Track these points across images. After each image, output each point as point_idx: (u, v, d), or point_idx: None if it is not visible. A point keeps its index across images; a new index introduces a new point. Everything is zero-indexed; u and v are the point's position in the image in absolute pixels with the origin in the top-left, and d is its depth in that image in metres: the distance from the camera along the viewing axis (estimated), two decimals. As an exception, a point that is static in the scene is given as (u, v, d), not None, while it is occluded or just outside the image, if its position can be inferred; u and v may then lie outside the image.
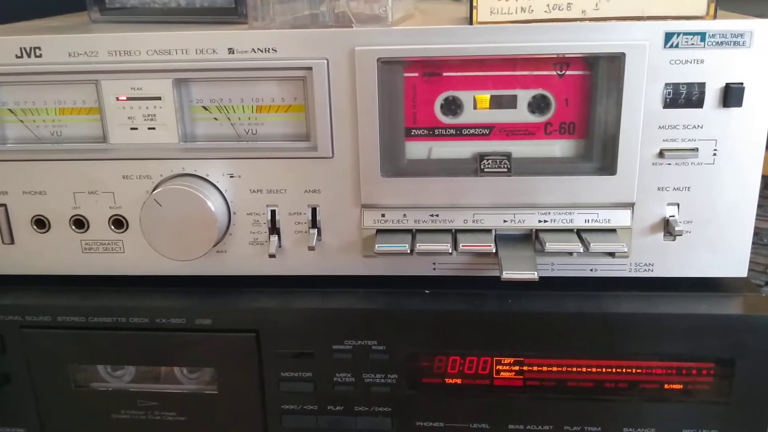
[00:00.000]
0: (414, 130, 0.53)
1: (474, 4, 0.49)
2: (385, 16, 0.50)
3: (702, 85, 0.49)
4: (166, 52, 0.51)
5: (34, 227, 0.56)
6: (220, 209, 0.52)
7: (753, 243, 0.54)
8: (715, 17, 0.48)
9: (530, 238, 0.53)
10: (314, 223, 0.54)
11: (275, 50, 0.50)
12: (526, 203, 0.52)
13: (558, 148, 0.53)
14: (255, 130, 0.53)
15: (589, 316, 0.52)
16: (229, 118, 0.53)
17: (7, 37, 0.51)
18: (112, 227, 0.55)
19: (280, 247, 0.54)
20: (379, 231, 0.53)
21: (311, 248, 0.53)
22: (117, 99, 0.52)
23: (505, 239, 0.53)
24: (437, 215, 0.53)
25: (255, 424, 0.56)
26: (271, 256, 0.53)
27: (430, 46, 0.49)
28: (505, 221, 0.52)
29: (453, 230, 0.53)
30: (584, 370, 0.53)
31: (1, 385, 0.56)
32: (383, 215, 0.53)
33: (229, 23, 0.56)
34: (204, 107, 0.53)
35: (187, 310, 0.54)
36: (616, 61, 0.49)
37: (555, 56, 0.50)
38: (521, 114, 0.52)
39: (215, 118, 0.53)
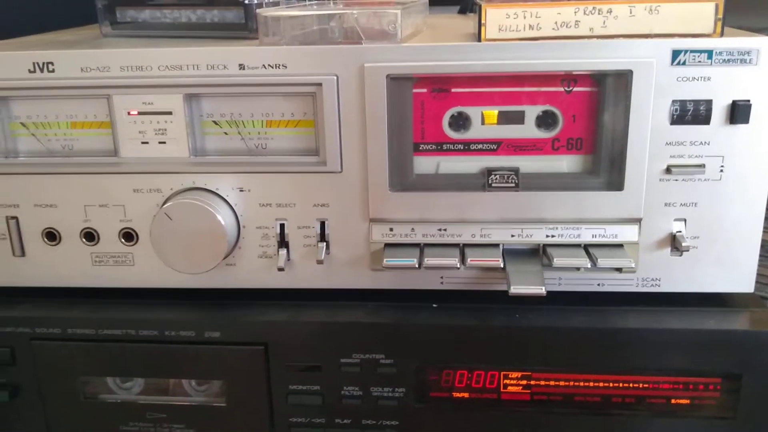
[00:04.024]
0: (422, 145, 0.53)
1: (483, 21, 0.49)
2: (395, 33, 0.51)
3: (709, 102, 0.49)
4: (177, 67, 0.51)
5: (45, 240, 0.56)
6: (229, 223, 0.53)
7: (760, 255, 0.54)
8: (722, 35, 0.48)
9: (538, 253, 0.53)
10: (323, 237, 0.54)
11: (285, 66, 0.50)
12: (533, 218, 0.52)
13: (565, 163, 0.53)
14: (265, 145, 0.53)
15: (596, 331, 0.52)
16: (239, 133, 0.53)
17: (21, 52, 0.52)
18: (123, 240, 0.55)
19: (288, 260, 0.55)
20: (387, 245, 0.53)
21: (320, 262, 0.54)
22: (128, 113, 0.52)
23: (512, 254, 0.53)
24: (445, 229, 0.53)
25: (263, 437, 0.56)
26: (280, 269, 0.54)
27: (438, 63, 0.50)
28: (512, 236, 0.53)
29: (461, 244, 0.53)
30: (591, 384, 0.53)
31: (11, 397, 0.57)
32: (391, 229, 0.53)
33: (239, 38, 0.56)
34: (214, 122, 0.53)
35: (196, 323, 0.54)
36: (623, 78, 0.49)
37: (563, 73, 0.50)
38: (529, 129, 0.52)
39: (225, 133, 0.53)
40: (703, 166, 0.50)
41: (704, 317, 0.53)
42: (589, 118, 0.52)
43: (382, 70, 0.50)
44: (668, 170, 0.51)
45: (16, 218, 0.56)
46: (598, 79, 0.51)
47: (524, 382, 0.54)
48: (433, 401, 0.54)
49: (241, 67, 0.51)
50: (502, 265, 0.52)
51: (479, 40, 0.50)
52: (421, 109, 0.52)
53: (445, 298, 0.55)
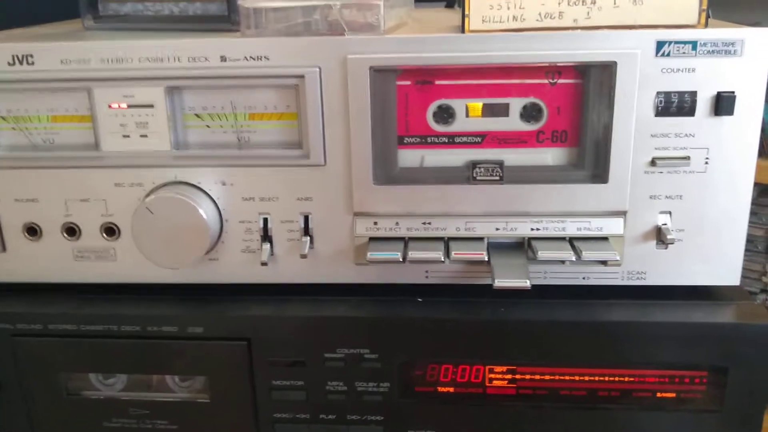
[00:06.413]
0: (406, 138, 0.53)
1: (466, 12, 0.49)
2: (378, 25, 0.50)
3: (693, 94, 0.49)
4: (158, 59, 0.50)
5: (26, 235, 0.55)
6: (212, 217, 0.52)
7: (747, 250, 0.54)
8: (706, 26, 0.48)
9: (522, 246, 0.53)
10: (306, 231, 0.54)
11: (268, 58, 0.50)
12: (518, 211, 0.52)
13: (550, 156, 0.53)
14: (247, 138, 0.53)
15: (582, 325, 0.52)
16: (221, 126, 0.53)
17: (0, 44, 0.51)
18: (104, 235, 0.55)
19: (272, 255, 0.54)
20: (371, 239, 0.53)
21: (303, 256, 0.53)
22: (109, 106, 0.52)
23: (497, 247, 0.53)
24: (430, 223, 0.53)
25: (247, 433, 0.56)
26: (263, 264, 0.53)
27: (422, 55, 0.49)
28: (497, 229, 0.52)
29: (445, 238, 0.53)
30: (577, 378, 0.53)
31: (-8, 394, 0.56)
32: (376, 223, 0.53)
33: (221, 31, 0.56)
34: (196, 115, 0.53)
35: (179, 318, 0.54)
36: (607, 70, 0.49)
37: (547, 65, 0.50)
38: (513, 122, 0.52)
39: (208, 126, 0.53)
40: (688, 158, 0.50)
41: (690, 310, 0.53)
42: (573, 111, 0.51)
43: (365, 61, 0.49)
44: (653, 162, 0.50)
45: (-4, 213, 0.55)
46: (582, 70, 0.50)
47: (510, 376, 0.53)
48: (418, 396, 0.54)
49: (223, 59, 0.50)
50: (486, 259, 0.52)
51: (463, 31, 0.49)
52: (405, 101, 0.52)
53: (429, 292, 0.55)
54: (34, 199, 0.54)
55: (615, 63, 0.48)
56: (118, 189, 0.54)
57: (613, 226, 0.52)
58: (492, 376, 0.53)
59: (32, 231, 0.55)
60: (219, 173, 0.53)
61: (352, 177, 0.52)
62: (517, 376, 0.53)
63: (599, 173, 0.51)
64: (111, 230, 0.55)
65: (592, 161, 0.51)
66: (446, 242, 0.53)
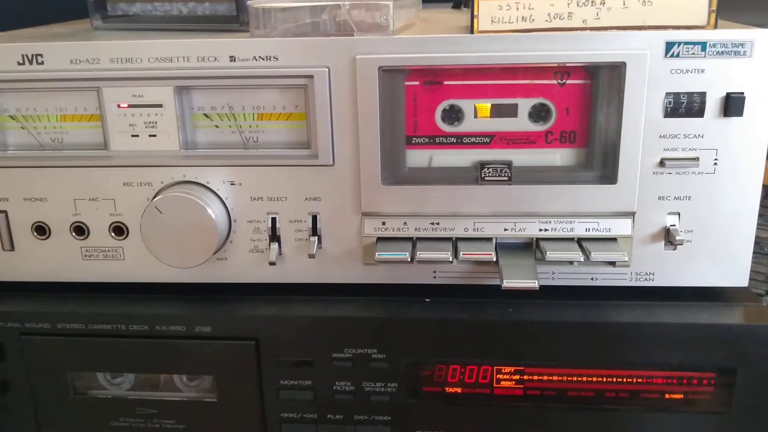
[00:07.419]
0: (415, 139, 0.53)
1: (475, 13, 0.49)
2: (387, 25, 0.50)
3: (703, 95, 0.49)
4: (167, 59, 0.51)
5: (35, 234, 0.55)
6: (220, 217, 0.52)
7: (754, 252, 0.54)
8: (715, 27, 0.48)
9: (531, 247, 0.53)
10: (315, 231, 0.54)
11: (276, 58, 0.50)
12: (526, 212, 0.52)
13: (559, 156, 0.53)
14: (256, 138, 0.53)
15: (590, 326, 0.52)
16: (230, 126, 0.53)
17: (9, 44, 0.51)
18: (113, 234, 0.55)
19: (280, 254, 0.54)
20: (379, 239, 0.53)
21: (311, 256, 0.53)
22: (118, 106, 0.52)
23: (505, 248, 0.53)
24: (438, 223, 0.53)
25: (254, 433, 0.56)
26: (272, 263, 0.53)
27: (431, 55, 0.49)
28: (505, 230, 0.52)
29: (453, 238, 0.53)
30: (585, 379, 0.53)
31: (0, 393, 0.56)
32: (384, 223, 0.53)
33: (230, 31, 0.56)
34: (205, 114, 0.53)
35: (187, 318, 0.54)
36: (616, 71, 0.49)
37: (556, 65, 0.50)
38: (522, 123, 0.52)
39: (216, 126, 0.53)
40: (696, 159, 0.50)
41: (698, 311, 0.53)
42: (582, 111, 0.51)
43: (374, 62, 0.49)
44: (662, 163, 0.50)
45: (5, 212, 0.55)
46: (591, 71, 0.50)
47: (517, 376, 0.53)
48: (426, 396, 0.54)
49: (232, 59, 0.50)
50: (494, 259, 0.52)
51: (472, 32, 0.49)
52: (413, 101, 0.52)
53: (437, 293, 0.55)
54: (42, 198, 0.55)
55: (624, 64, 0.48)
56: (126, 188, 0.54)
57: (621, 227, 0.52)
58: (500, 376, 0.53)
59: (41, 230, 0.55)
60: (227, 173, 0.53)
61: (360, 177, 0.52)
62: (525, 377, 0.53)
63: (608, 174, 0.51)
64: (119, 229, 0.55)
65: (601, 162, 0.51)
66: (454, 242, 0.53)
